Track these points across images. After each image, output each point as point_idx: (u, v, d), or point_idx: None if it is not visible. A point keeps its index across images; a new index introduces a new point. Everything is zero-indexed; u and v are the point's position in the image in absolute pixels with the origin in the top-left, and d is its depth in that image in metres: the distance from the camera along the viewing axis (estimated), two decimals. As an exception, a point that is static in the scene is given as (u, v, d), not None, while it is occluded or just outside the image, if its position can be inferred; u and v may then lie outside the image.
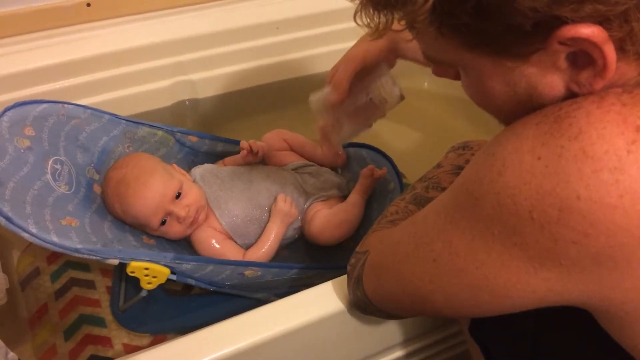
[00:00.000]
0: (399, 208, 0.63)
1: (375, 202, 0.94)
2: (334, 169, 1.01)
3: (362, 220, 0.91)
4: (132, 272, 0.74)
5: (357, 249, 0.62)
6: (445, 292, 0.46)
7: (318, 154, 1.00)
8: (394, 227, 0.56)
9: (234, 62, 1.16)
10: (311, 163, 1.00)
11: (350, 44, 1.10)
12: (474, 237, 0.42)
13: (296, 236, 0.93)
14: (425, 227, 0.48)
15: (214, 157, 1.03)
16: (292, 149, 1.02)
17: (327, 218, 0.89)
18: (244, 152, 0.93)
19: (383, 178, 0.93)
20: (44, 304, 0.86)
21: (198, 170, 0.93)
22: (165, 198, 0.82)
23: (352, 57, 0.76)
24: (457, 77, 0.48)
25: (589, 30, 0.36)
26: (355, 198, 0.91)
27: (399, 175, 0.93)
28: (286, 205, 0.88)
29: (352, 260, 0.61)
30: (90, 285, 0.89)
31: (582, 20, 0.36)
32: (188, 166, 0.99)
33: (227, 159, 1.01)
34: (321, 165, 1.00)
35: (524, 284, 0.41)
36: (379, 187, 0.95)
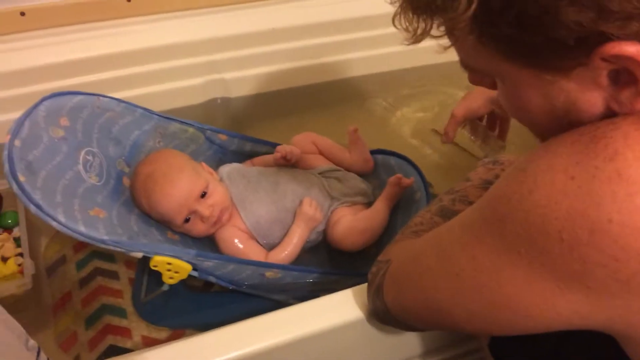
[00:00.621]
0: (424, 219, 0.63)
1: (400, 211, 0.93)
2: (361, 175, 1.01)
3: (386, 228, 0.90)
4: (155, 266, 0.74)
5: (380, 257, 0.62)
6: (466, 307, 0.46)
7: (346, 159, 1.00)
8: (418, 238, 0.56)
9: (267, 63, 1.17)
10: (338, 168, 0.99)
11: (386, 49, 1.13)
12: (500, 255, 0.42)
13: (319, 240, 0.93)
14: (450, 240, 0.47)
15: (242, 157, 1.03)
16: (320, 153, 1.02)
17: (351, 224, 0.88)
18: (277, 156, 0.93)
19: (410, 187, 0.93)
20: (68, 291, 0.87)
21: (226, 169, 0.94)
22: (190, 196, 0.82)
23: (455, 114, 0.90)
24: (493, 86, 0.47)
25: (633, 49, 0.35)
26: (380, 206, 0.91)
27: (426, 185, 0.93)
28: (311, 209, 0.88)
29: (374, 269, 0.61)
30: (114, 275, 0.90)
31: (627, 37, 0.35)
32: (216, 164, 0.99)
33: (256, 159, 1.01)
34: (348, 170, 1.00)
35: (548, 306, 0.40)
36: (405, 196, 0.94)
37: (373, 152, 1.02)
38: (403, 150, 1.00)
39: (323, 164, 0.99)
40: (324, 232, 0.92)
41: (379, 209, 0.90)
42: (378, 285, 0.58)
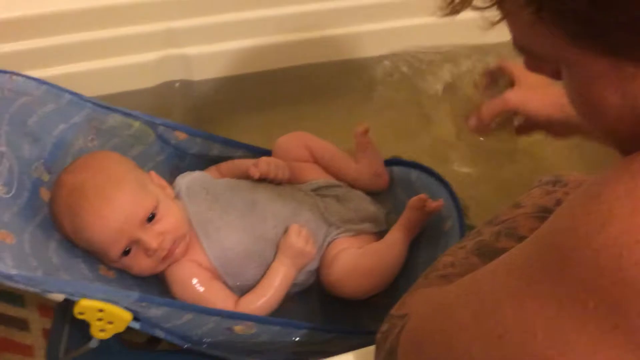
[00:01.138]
0: (457, 259, 0.63)
1: (423, 245, 0.95)
2: (370, 193, 1.02)
3: (402, 269, 0.92)
4: (80, 314, 0.74)
5: (393, 310, 0.62)
6: None
7: (351, 171, 1.01)
8: (448, 284, 0.56)
9: (245, 34, 1.17)
10: (339, 183, 1.00)
11: (407, 21, 1.17)
12: (559, 310, 0.42)
13: (310, 282, 0.93)
14: (491, 289, 0.48)
15: (207, 163, 1.04)
16: (316, 161, 1.03)
17: (354, 261, 0.89)
18: (253, 173, 0.95)
19: (437, 213, 0.94)
20: (-45, 345, 0.88)
21: (184, 180, 0.95)
22: (132, 220, 0.83)
23: (507, 100, 0.87)
24: (556, 75, 0.48)
25: None
26: (395, 237, 0.92)
27: (460, 211, 0.94)
28: (300, 239, 0.89)
29: (385, 326, 0.62)
30: (22, 325, 0.90)
31: None
32: (170, 173, 1.01)
33: (225, 166, 1.02)
34: (353, 187, 1.01)
35: None
36: (430, 226, 0.95)
37: (388, 163, 1.03)
38: (428, 162, 1.00)
39: (318, 177, 1.00)
40: (317, 272, 0.93)
41: (394, 242, 0.91)
42: (390, 348, 0.58)
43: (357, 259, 0.90)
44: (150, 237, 0.83)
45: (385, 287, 0.91)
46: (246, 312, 0.85)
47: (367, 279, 0.89)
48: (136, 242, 0.83)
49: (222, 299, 0.86)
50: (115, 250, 0.83)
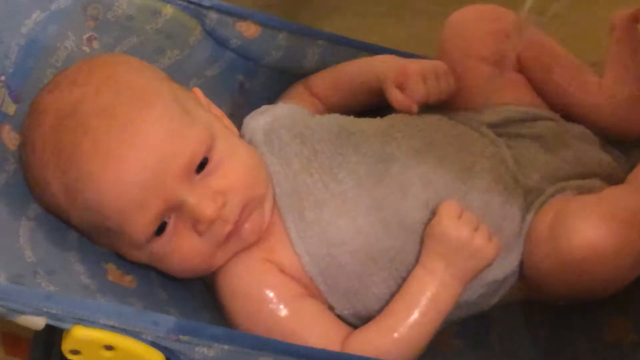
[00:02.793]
0: None
1: None
2: (611, 136, 0.90)
3: None
4: (74, 353, 0.65)
5: None
6: None
7: (587, 94, 0.89)
8: None
9: None
10: (549, 113, 0.88)
11: None
12: None
13: (492, 302, 0.81)
14: None
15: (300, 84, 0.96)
16: (521, 68, 0.91)
17: (605, 205, 0.77)
18: (398, 102, 0.84)
19: None
20: None
21: (259, 122, 0.84)
22: (170, 169, 0.70)
23: None
24: None
25: None
26: None
27: None
28: (463, 225, 0.75)
29: None
30: None
31: None
32: (231, 101, 0.91)
33: (325, 82, 0.93)
34: (577, 121, 0.89)
35: None
36: None
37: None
38: None
39: (515, 101, 0.89)
40: (520, 272, 0.81)
41: None
42: None
43: (605, 203, 0.77)
44: (203, 197, 0.71)
45: None
46: (367, 356, 0.75)
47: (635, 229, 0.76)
48: (177, 207, 0.71)
49: (322, 332, 0.76)
50: (141, 224, 0.70)
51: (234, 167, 0.75)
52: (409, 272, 0.77)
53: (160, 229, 0.71)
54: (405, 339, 0.75)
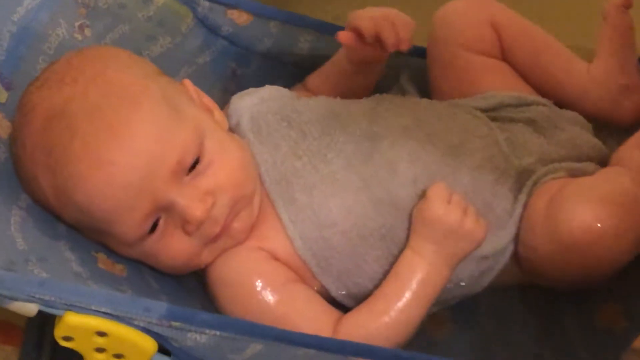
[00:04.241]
0: None
1: None
2: (600, 121, 0.92)
3: None
4: (67, 339, 0.66)
5: (638, 344, 0.65)
6: None
7: (576, 79, 0.92)
8: None
9: None
10: (541, 99, 0.91)
11: None
12: None
13: (484, 283, 0.82)
14: None
15: (287, 70, 0.98)
16: (506, 57, 0.94)
17: (602, 185, 0.80)
18: (348, 41, 0.87)
19: None
20: None
21: (246, 102, 0.86)
22: (160, 171, 0.73)
23: None
24: None
25: None
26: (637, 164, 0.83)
27: None
28: (453, 208, 0.78)
29: None
30: None
31: None
32: (223, 88, 0.94)
33: (319, 78, 0.95)
34: (565, 107, 0.92)
35: None
36: None
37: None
38: None
39: (505, 87, 0.92)
40: (516, 250, 0.83)
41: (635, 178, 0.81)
42: None
43: (608, 184, 0.81)
44: (192, 198, 0.74)
45: None
46: (358, 341, 0.75)
47: (630, 220, 0.78)
48: (167, 208, 0.73)
49: (314, 316, 0.78)
50: (130, 225, 0.73)
51: (223, 166, 0.77)
52: (401, 249, 0.80)
53: (152, 228, 0.75)
54: (396, 322, 0.77)
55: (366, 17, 0.86)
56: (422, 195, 0.80)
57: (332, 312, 0.79)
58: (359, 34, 0.86)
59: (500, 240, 0.82)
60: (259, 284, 0.78)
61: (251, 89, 0.88)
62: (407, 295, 0.78)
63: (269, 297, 0.78)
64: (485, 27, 0.93)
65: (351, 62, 0.91)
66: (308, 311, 0.78)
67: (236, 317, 0.77)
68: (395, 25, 0.85)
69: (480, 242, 0.79)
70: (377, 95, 0.90)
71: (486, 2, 0.96)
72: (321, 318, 0.78)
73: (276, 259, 0.80)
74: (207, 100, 0.83)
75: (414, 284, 0.78)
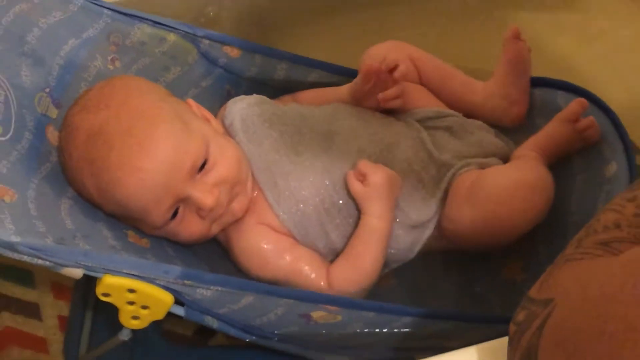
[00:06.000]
0: (624, 217, 0.61)
1: (575, 197, 0.92)
2: (497, 127, 1.00)
3: (543, 230, 0.89)
4: (105, 295, 0.74)
5: (533, 292, 0.61)
6: None
7: (475, 96, 1.00)
8: (611, 257, 0.56)
9: None
10: (454, 112, 0.98)
11: None
12: None
13: (415, 249, 0.92)
14: None
15: (270, 90, 1.04)
16: (422, 82, 1.01)
17: (513, 174, 0.90)
18: (367, 79, 0.95)
19: (595, 152, 0.91)
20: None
21: (237, 107, 0.94)
22: (178, 173, 0.82)
23: None
24: None
25: None
26: (529, 159, 0.91)
27: (629, 150, 0.90)
28: (377, 171, 0.87)
29: (521, 315, 0.60)
30: (32, 311, 0.91)
31: None
32: (220, 102, 1.00)
33: (305, 95, 1.04)
34: (473, 118, 1.00)
35: None
36: (585, 168, 0.93)
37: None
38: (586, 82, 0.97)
39: (426, 105, 0.99)
40: (439, 226, 0.92)
41: (533, 167, 0.90)
42: (528, 350, 0.57)
43: (513, 172, 0.90)
44: (204, 191, 0.83)
45: (543, 214, 0.89)
46: (341, 289, 0.86)
47: (533, 197, 0.87)
48: (185, 200, 0.83)
49: (316, 268, 0.88)
50: (157, 214, 0.83)
51: (224, 163, 0.86)
52: (355, 220, 0.90)
53: (173, 215, 0.85)
54: (369, 268, 0.88)
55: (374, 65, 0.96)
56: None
57: (325, 262, 0.90)
58: (391, 70, 0.95)
59: (424, 214, 0.91)
60: (271, 249, 0.88)
61: (242, 96, 0.98)
62: (372, 246, 0.88)
63: (282, 257, 0.88)
64: (406, 61, 1.01)
65: (352, 96, 0.99)
66: (312, 264, 0.89)
67: (256, 279, 0.88)
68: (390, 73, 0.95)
69: (400, 182, 0.90)
70: (336, 103, 0.99)
71: (403, 44, 1.04)
72: (321, 269, 0.89)
73: (271, 227, 0.90)
74: (206, 112, 0.92)
75: (374, 236, 0.88)
